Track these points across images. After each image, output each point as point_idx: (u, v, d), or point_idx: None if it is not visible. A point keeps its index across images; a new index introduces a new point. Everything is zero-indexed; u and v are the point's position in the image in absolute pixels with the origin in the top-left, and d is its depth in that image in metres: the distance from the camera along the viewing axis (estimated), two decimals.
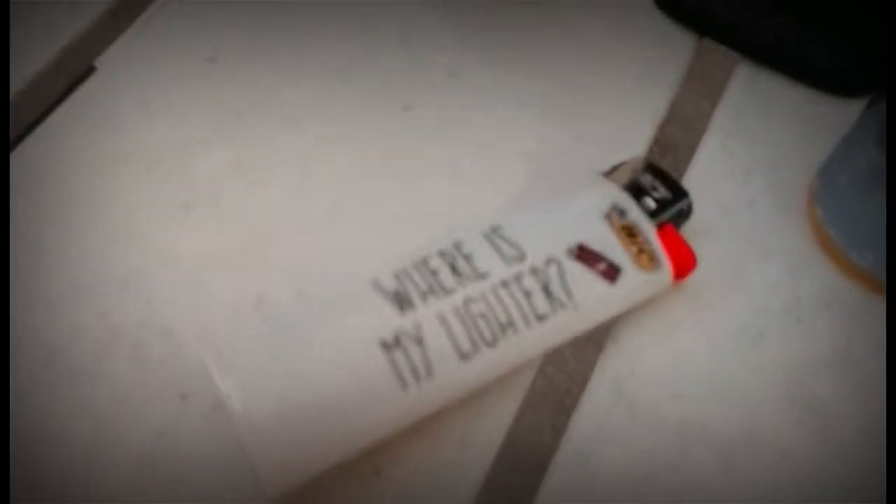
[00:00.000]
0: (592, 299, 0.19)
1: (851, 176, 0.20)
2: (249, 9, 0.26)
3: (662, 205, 0.20)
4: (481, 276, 0.18)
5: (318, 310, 0.17)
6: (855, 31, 0.23)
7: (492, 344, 0.18)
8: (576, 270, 0.19)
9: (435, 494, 0.18)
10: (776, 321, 0.21)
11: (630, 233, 0.20)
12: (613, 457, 0.19)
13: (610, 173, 0.21)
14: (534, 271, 0.18)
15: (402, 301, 0.17)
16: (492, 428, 0.19)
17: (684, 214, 0.21)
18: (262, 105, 0.24)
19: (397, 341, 0.17)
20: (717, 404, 0.20)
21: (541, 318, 0.18)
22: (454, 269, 0.18)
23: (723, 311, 0.21)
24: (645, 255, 0.19)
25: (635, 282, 0.19)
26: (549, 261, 0.18)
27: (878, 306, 0.21)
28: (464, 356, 0.17)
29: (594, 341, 0.20)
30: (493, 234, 0.19)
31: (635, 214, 0.20)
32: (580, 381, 0.20)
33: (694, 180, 0.23)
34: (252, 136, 0.23)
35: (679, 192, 0.21)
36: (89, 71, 0.24)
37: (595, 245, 0.19)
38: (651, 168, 0.21)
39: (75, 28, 0.25)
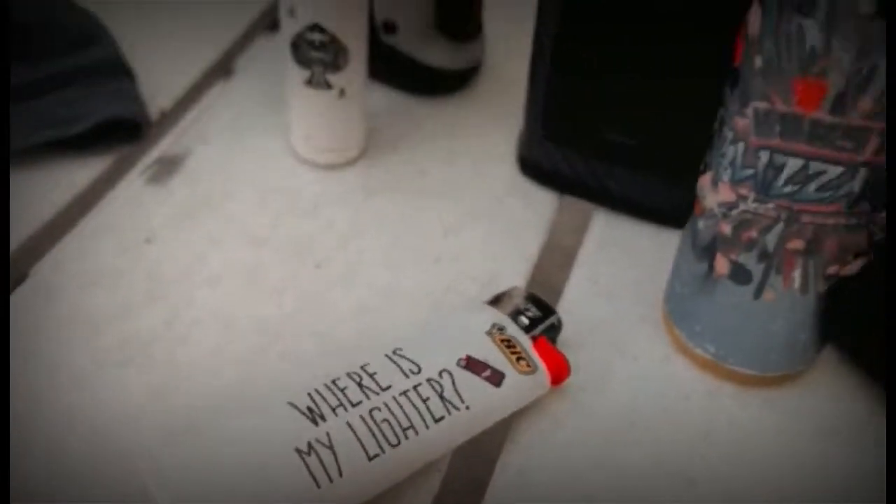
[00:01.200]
0: (482, 401, 0.22)
1: (682, 283, 0.24)
2: (184, 189, 0.30)
3: (535, 321, 0.24)
4: (384, 389, 0.21)
5: (239, 426, 0.20)
6: (680, 175, 0.28)
7: (395, 445, 0.20)
8: (465, 377, 0.22)
9: None
10: (646, 412, 0.24)
11: (509, 345, 0.23)
12: None
13: (492, 301, 0.25)
14: (429, 381, 0.21)
15: (314, 415, 0.20)
16: None
17: (556, 328, 0.25)
18: (191, 270, 0.27)
19: (310, 448, 0.20)
20: (608, 483, 0.22)
21: (438, 419, 0.21)
22: (360, 386, 0.21)
23: (599, 406, 0.24)
24: (524, 362, 0.23)
25: (518, 385, 0.22)
26: (443, 371, 0.22)
27: (730, 389, 0.25)
28: (371, 457, 0.20)
29: (494, 439, 0.23)
30: (394, 355, 0.22)
31: (513, 329, 0.23)
32: (485, 476, 0.23)
33: (567, 302, 0.27)
34: (182, 297, 0.26)
35: (548, 311, 0.25)
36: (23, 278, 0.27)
37: (480, 356, 0.22)
38: (527, 295, 0.25)
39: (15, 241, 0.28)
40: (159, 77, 0.34)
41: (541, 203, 0.31)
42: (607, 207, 0.30)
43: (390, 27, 0.32)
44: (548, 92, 0.28)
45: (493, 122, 0.33)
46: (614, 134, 0.28)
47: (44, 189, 0.30)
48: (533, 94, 0.29)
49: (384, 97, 0.34)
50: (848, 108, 0.18)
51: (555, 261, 0.29)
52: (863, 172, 0.19)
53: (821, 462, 0.24)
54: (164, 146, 0.32)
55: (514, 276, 0.28)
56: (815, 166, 0.19)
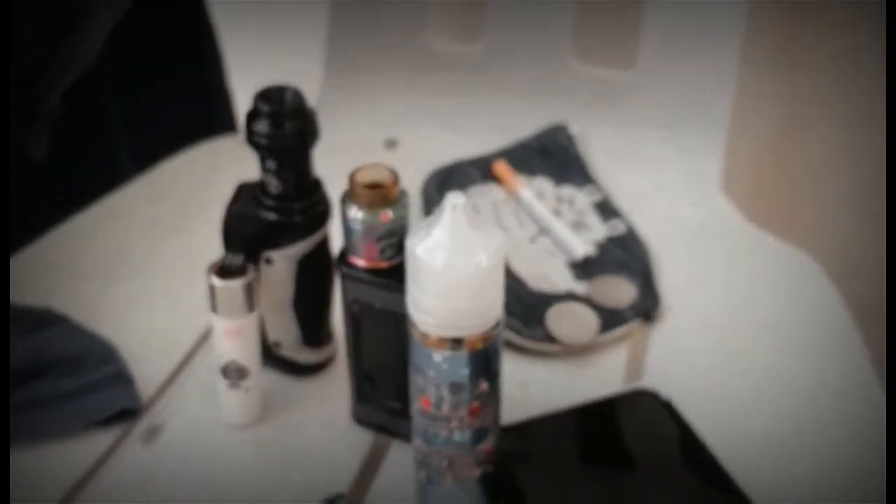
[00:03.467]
0: None
1: None
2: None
3: None
4: None
5: None
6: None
7: None
8: None
9: None
10: None
11: None
12: None
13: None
14: None
15: None
16: None
17: None
18: None
19: None
20: None
21: None
22: None
23: None
24: None
25: None
26: None
27: None
28: None
29: None
30: None
31: None
32: None
33: None
34: None
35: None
36: None
37: None
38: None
39: None
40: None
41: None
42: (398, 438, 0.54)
43: (277, 345, 0.57)
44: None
45: (335, 391, 0.58)
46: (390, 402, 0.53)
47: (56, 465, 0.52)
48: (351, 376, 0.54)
49: (277, 381, 0.59)
50: (440, 408, 0.43)
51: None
52: (457, 433, 0.44)
53: None
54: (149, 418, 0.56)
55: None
56: (438, 431, 0.44)
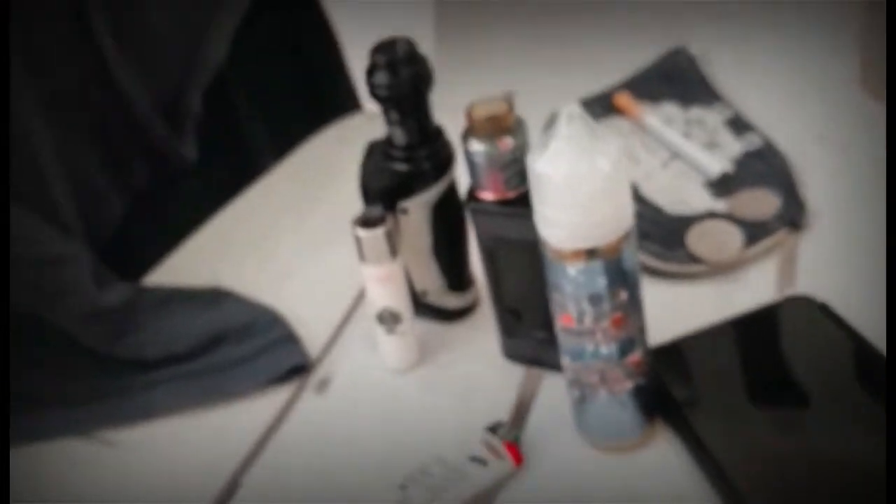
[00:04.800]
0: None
1: (573, 405, 0.49)
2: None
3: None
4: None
5: None
6: None
7: None
8: None
9: None
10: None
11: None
12: None
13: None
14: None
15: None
16: None
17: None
18: None
19: None
20: None
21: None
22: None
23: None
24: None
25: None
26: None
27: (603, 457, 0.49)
28: None
29: None
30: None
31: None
32: None
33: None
34: None
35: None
36: None
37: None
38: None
39: None
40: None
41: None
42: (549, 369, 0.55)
43: (425, 294, 0.60)
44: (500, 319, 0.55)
45: (484, 332, 0.60)
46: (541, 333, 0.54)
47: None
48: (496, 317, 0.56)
49: (429, 328, 0.61)
50: (583, 323, 0.44)
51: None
52: (603, 345, 0.44)
53: None
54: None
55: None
56: (585, 345, 0.45)
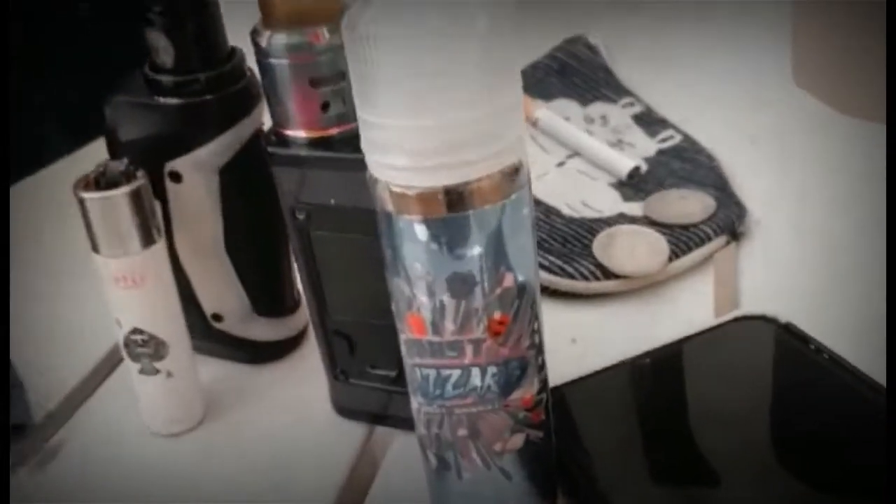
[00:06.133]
0: None
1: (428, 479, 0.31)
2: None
3: None
4: None
5: None
6: None
7: None
8: None
9: None
10: None
11: None
12: None
13: None
14: None
15: None
16: None
17: None
18: None
19: None
20: None
21: None
22: None
23: None
24: None
25: None
26: None
27: None
28: None
29: None
30: None
31: None
32: None
33: None
34: None
35: None
36: None
37: None
38: None
39: None
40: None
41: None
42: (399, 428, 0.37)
43: (218, 318, 0.40)
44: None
45: (312, 376, 0.41)
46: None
47: None
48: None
49: (224, 371, 0.42)
50: (441, 331, 0.26)
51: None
52: (474, 371, 0.26)
53: None
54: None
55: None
56: (443, 372, 0.27)
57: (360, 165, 0.26)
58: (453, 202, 0.24)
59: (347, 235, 0.31)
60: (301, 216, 0.31)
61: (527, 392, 0.27)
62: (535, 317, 0.27)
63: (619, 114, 0.56)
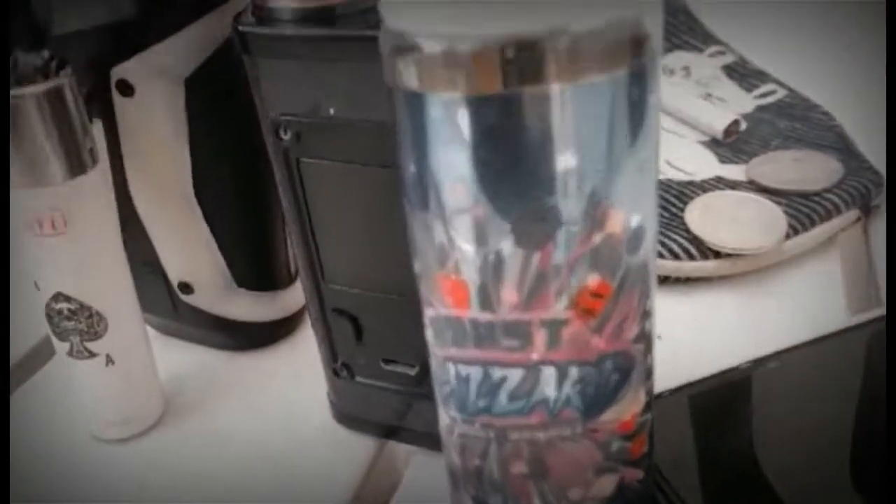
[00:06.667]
0: None
1: None
2: None
3: None
4: None
5: None
6: None
7: None
8: None
9: None
10: None
11: None
12: None
13: None
14: None
15: None
16: None
17: None
18: None
19: None
20: None
21: None
22: None
23: None
24: None
25: None
26: None
27: None
28: None
29: None
30: None
31: None
32: None
33: None
34: None
35: None
36: None
37: None
38: None
39: None
40: None
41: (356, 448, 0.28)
42: (420, 445, 0.27)
43: (187, 287, 0.31)
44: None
45: (310, 369, 0.31)
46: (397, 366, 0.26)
47: None
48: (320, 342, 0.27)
49: (194, 358, 0.32)
50: (495, 304, 0.16)
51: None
52: (547, 372, 0.16)
53: None
54: None
55: None
56: (495, 373, 0.17)
57: (375, 51, 0.16)
58: (526, 70, 0.13)
59: (352, 165, 0.21)
60: (287, 136, 0.21)
61: (627, 410, 0.17)
62: (648, 292, 0.17)
63: (705, 64, 0.46)
